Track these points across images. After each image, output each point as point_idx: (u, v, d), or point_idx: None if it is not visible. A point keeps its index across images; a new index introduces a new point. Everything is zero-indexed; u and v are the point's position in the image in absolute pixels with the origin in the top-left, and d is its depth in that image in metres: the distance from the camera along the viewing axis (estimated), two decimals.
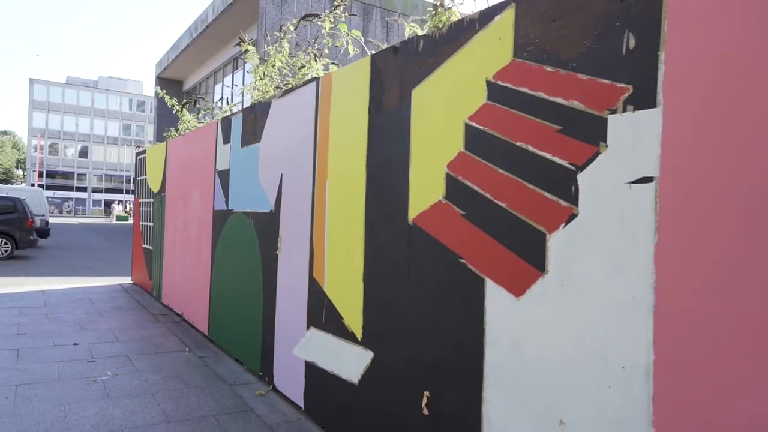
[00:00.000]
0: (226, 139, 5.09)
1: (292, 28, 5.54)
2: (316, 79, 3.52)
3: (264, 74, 4.81)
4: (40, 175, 61.22)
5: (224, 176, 5.10)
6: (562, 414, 1.82)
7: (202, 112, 7.03)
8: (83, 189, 65.16)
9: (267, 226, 4.11)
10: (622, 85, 1.67)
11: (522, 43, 2.01)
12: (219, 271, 5.17)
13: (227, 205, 4.99)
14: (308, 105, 3.57)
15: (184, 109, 7.22)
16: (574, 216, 1.80)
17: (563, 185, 1.84)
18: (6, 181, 65.51)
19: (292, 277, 3.70)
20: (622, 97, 1.67)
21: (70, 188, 64.46)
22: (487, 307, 2.12)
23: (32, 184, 55.97)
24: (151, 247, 8.01)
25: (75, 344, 4.93)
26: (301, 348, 3.55)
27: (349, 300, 3.04)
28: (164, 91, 8.70)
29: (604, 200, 1.71)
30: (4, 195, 13.99)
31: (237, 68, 23.17)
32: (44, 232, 16.21)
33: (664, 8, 1.57)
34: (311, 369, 3.43)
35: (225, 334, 4.98)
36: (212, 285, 5.34)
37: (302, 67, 4.46)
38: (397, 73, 2.70)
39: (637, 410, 1.60)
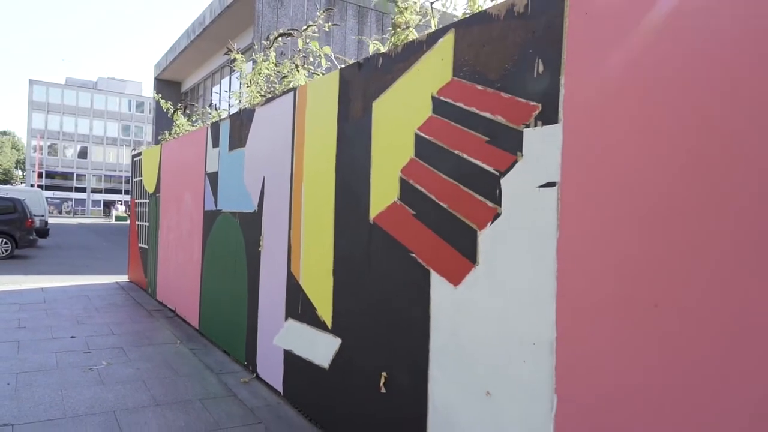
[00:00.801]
0: (215, 144, 5.38)
1: (279, 38, 5.83)
2: (294, 89, 3.81)
3: (251, 82, 5.09)
4: (40, 175, 61.53)
5: (213, 178, 5.39)
6: (488, 386, 2.11)
7: (194, 116, 7.31)
8: (82, 189, 65.46)
9: (251, 225, 4.41)
10: (534, 103, 1.96)
11: (459, 64, 2.31)
12: (209, 268, 5.46)
13: (216, 205, 5.28)
14: (287, 113, 3.86)
15: (178, 113, 7.50)
16: (498, 215, 2.09)
17: (490, 188, 2.13)
18: (5, 182, 65.79)
19: (272, 272, 3.99)
20: (533, 113, 1.96)
21: (69, 189, 64.76)
22: (432, 295, 2.42)
23: (32, 185, 56.28)
24: (146, 246, 8.30)
25: (72, 337, 5.22)
26: (280, 337, 3.84)
27: (321, 292, 3.33)
28: (159, 95, 8.98)
29: (520, 201, 2.00)
30: (4, 196, 14.28)
31: (234, 70, 23.41)
32: (44, 232, 16.51)
33: (564, 40, 1.86)
34: (289, 357, 3.72)
35: (214, 328, 5.27)
36: (202, 281, 5.63)
37: (284, 77, 4.74)
38: (361, 86, 2.99)
39: (544, 380, 1.89)
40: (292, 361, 3.68)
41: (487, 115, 2.15)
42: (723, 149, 1.43)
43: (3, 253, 13.04)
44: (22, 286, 8.39)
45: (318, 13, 5.29)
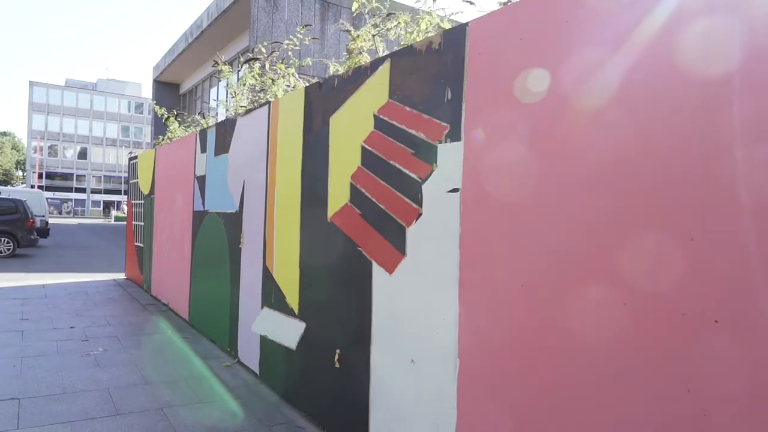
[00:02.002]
0: (203, 149, 5.83)
1: (263, 50, 6.28)
2: (269, 102, 4.26)
3: (234, 93, 5.54)
4: (40, 176, 62.00)
5: (201, 181, 5.84)
6: (413, 355, 2.56)
7: (186, 122, 7.76)
8: (82, 190, 65.93)
9: (233, 224, 4.86)
10: (445, 123, 2.41)
11: (394, 88, 2.76)
12: (197, 264, 5.91)
13: (204, 206, 5.73)
14: (262, 124, 4.31)
15: (171, 119, 7.96)
16: (420, 215, 2.54)
17: (415, 193, 2.58)
18: (5, 183, 66.25)
19: (250, 266, 4.44)
20: (444, 132, 2.41)
21: (69, 189, 65.25)
22: (374, 283, 2.87)
23: (32, 186, 56.74)
24: (142, 245, 8.75)
25: (71, 327, 5.68)
26: (257, 324, 4.29)
27: (289, 282, 3.78)
28: (155, 102, 9.43)
29: (435, 204, 2.45)
30: (6, 197, 14.74)
31: (241, 68, 23.80)
32: (44, 231, 16.98)
33: (465, 73, 2.31)
34: (264, 341, 4.17)
35: (202, 319, 5.73)
36: (192, 276, 6.08)
37: (261, 89, 5.19)
38: (321, 103, 3.45)
39: (451, 348, 2.34)
40: (266, 345, 4.13)
41: (413, 132, 2.60)
42: (573, 163, 1.88)
43: (5, 252, 13.50)
44: (24, 283, 8.84)
45: (298, 29, 5.72)
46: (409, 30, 3.19)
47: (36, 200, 18.30)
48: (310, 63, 6.29)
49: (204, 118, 7.28)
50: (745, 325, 1.40)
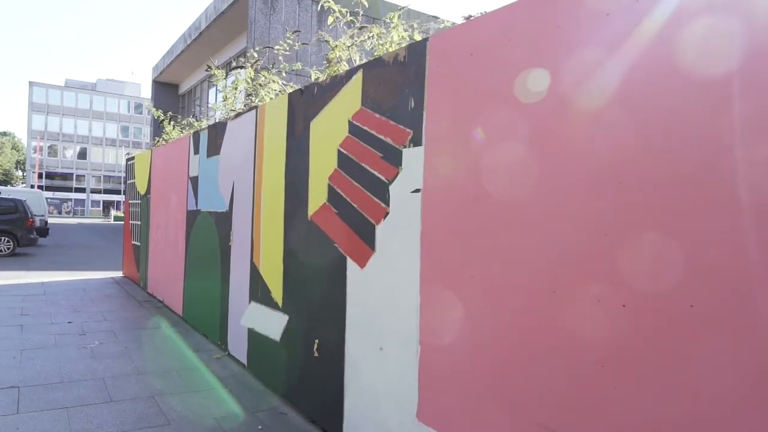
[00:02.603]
0: (196, 151, 6.05)
1: (255, 55, 6.50)
2: (256, 107, 4.48)
3: (226, 97, 5.76)
4: (40, 176, 62.21)
5: (195, 181, 6.06)
6: (381, 343, 2.78)
7: (178, 126, 7.99)
8: (82, 190, 66.16)
9: (223, 223, 5.08)
10: (408, 129, 2.63)
11: (366, 96, 2.98)
12: (190, 261, 6.13)
13: (197, 205, 5.95)
14: (250, 127, 4.53)
15: (166, 122, 8.18)
16: (387, 213, 2.76)
17: (383, 193, 2.80)
18: (5, 183, 66.47)
19: (239, 263, 4.67)
20: (408, 137, 2.63)
21: (69, 189, 65.47)
22: (348, 276, 3.09)
23: (32, 186, 56.94)
24: (138, 244, 8.97)
25: (69, 322, 5.90)
26: (245, 318, 4.51)
27: (274, 277, 4.01)
28: (152, 104, 9.65)
29: (400, 203, 2.67)
30: (6, 197, 14.96)
31: (229, 74, 23.93)
32: (44, 231, 17.20)
33: (426, 84, 2.53)
34: (252, 334, 4.39)
35: (195, 314, 5.95)
36: (186, 274, 6.30)
37: (249, 95, 5.41)
38: (303, 109, 3.67)
39: (413, 334, 2.55)
40: (254, 337, 4.35)
41: (382, 137, 2.82)
42: (516, 166, 2.10)
43: (5, 250, 13.72)
44: (24, 280, 9.07)
45: (288, 35, 5.94)
46: (381, 42, 3.42)
47: (36, 200, 18.51)
48: (300, 67, 6.51)
49: (197, 120, 7.49)
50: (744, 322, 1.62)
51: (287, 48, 5.91)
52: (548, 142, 1.94)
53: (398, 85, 2.72)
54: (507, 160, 2.10)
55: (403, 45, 2.80)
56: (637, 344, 1.63)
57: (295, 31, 5.65)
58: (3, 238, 13.72)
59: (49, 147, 64.95)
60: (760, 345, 1.37)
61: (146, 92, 66.72)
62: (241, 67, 5.66)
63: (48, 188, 60.65)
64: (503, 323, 2.09)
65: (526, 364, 1.98)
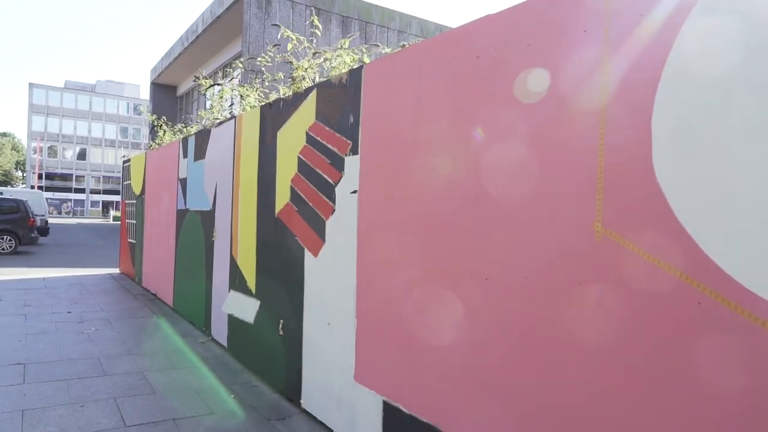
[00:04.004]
0: (185, 155, 6.59)
1: (240, 65, 7.03)
2: (235, 117, 5.02)
3: (212, 106, 6.30)
4: (40, 176, 62.75)
5: (183, 183, 6.60)
6: (329, 319, 3.32)
7: (170, 131, 8.53)
8: (81, 190, 66.71)
9: (208, 220, 5.61)
10: (349, 141, 3.17)
11: (318, 111, 3.51)
12: (180, 256, 6.67)
13: (185, 205, 6.49)
14: (230, 135, 5.07)
15: (161, 126, 8.72)
16: (334, 210, 3.30)
17: (331, 193, 3.33)
18: (5, 183, 67.01)
19: (221, 256, 5.20)
20: (348, 147, 3.17)
21: (68, 190, 66.04)
22: (305, 265, 3.62)
23: (32, 186, 57.47)
24: (134, 241, 9.51)
25: (68, 312, 6.44)
26: (226, 305, 5.05)
27: (249, 268, 4.54)
28: (149, 111, 10.19)
29: (343, 202, 3.21)
30: (8, 197, 15.51)
31: (226, 75, 24.46)
32: (44, 230, 17.75)
33: (361, 104, 3.06)
34: (231, 319, 4.92)
35: (183, 304, 6.48)
36: (176, 268, 6.84)
37: (232, 104, 5.95)
38: (272, 120, 4.20)
39: (351, 310, 3.09)
40: (233, 322, 4.89)
41: (330, 146, 3.36)
42: (423, 174, 2.64)
43: (8, 249, 14.26)
44: (26, 276, 9.61)
45: (268, 48, 6.46)
46: (333, 65, 3.95)
47: (36, 200, 19.06)
48: (282, 76, 7.03)
49: (186, 126, 8.04)
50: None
51: (269, 60, 6.45)
52: (440, 153, 2.48)
53: (342, 103, 3.25)
54: (414, 169, 2.64)
55: (348, 69, 3.33)
56: (483, 305, 2.17)
57: (275, 45, 6.16)
58: (5, 237, 14.27)
59: (49, 148, 65.50)
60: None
61: (145, 94, 67.28)
62: (218, 84, 6.19)
63: (48, 189, 61.22)
64: (429, 300, 2.63)
65: (432, 328, 2.52)
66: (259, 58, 6.53)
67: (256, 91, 5.52)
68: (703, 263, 1.50)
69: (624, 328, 1.69)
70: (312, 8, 20.27)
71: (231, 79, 5.81)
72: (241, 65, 6.88)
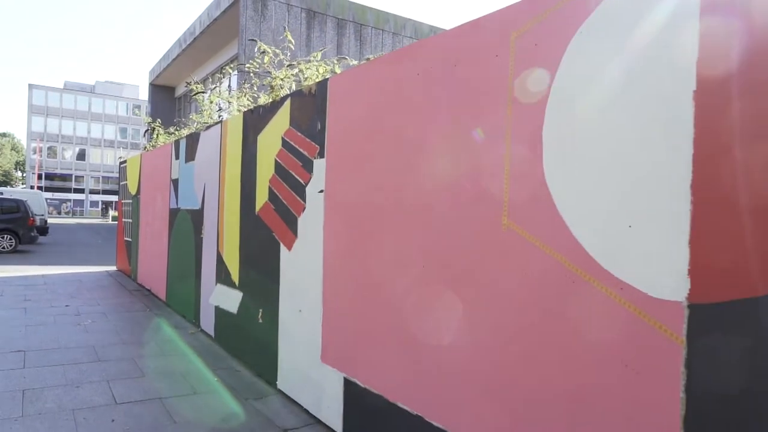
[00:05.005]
0: (177, 156, 6.93)
1: (230, 70, 7.37)
2: (221, 121, 5.36)
3: (203, 111, 6.65)
4: (39, 177, 63.10)
5: (176, 183, 6.95)
6: (300, 306, 3.67)
7: (164, 134, 8.89)
8: (81, 191, 67.08)
9: (197, 218, 5.97)
10: (317, 145, 3.52)
11: (292, 118, 3.86)
12: (172, 253, 7.02)
13: (177, 204, 6.84)
14: (217, 138, 5.42)
15: (156, 130, 9.07)
16: (305, 208, 3.65)
17: (302, 193, 3.68)
18: (5, 183, 67.35)
19: (209, 251, 5.55)
20: (317, 151, 3.52)
21: (68, 190, 66.41)
22: (281, 258, 3.97)
23: (31, 186, 57.82)
24: (130, 239, 9.86)
25: (66, 306, 6.78)
26: (213, 297, 5.40)
27: (233, 262, 4.89)
28: (148, 112, 10.54)
29: (312, 201, 3.56)
30: (9, 197, 15.87)
31: (223, 77, 24.79)
32: (43, 230, 18.10)
33: (327, 112, 3.41)
34: (218, 310, 5.27)
35: (175, 298, 6.83)
36: (168, 263, 7.19)
37: (220, 109, 6.31)
38: (253, 125, 4.55)
39: (319, 297, 3.44)
40: (219, 313, 5.24)
41: (301, 150, 3.71)
42: (369, 176, 2.99)
43: (8, 247, 14.62)
44: (25, 273, 9.96)
45: (257, 55, 6.82)
46: (306, 76, 4.30)
47: (36, 200, 19.42)
48: (270, 81, 7.37)
49: (179, 129, 8.39)
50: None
51: (257, 66, 6.80)
52: (383, 159, 2.83)
53: (311, 112, 3.60)
54: (365, 172, 2.99)
55: (318, 79, 3.68)
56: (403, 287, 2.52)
57: (263, 52, 6.51)
58: (6, 236, 14.62)
59: (49, 148, 65.86)
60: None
61: (144, 94, 67.60)
62: (202, 92, 6.55)
63: (47, 189, 61.58)
64: (378, 287, 2.98)
65: (377, 311, 2.88)
66: (247, 65, 6.88)
67: (245, 96, 5.87)
68: (576, 248, 1.86)
69: (522, 298, 2.04)
70: (307, 11, 20.59)
71: (220, 85, 6.13)
72: (231, 71, 7.22)
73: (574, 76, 1.89)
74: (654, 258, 1.63)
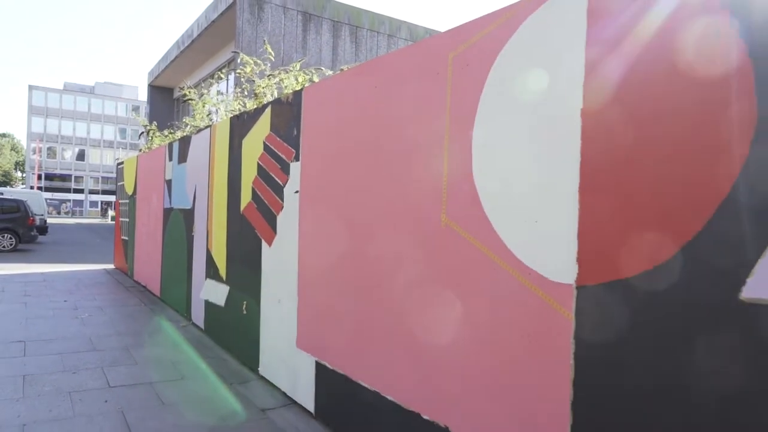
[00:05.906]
0: (170, 158, 7.25)
1: (222, 76, 7.70)
2: (210, 126, 5.68)
3: (194, 116, 6.97)
4: (39, 177, 63.42)
5: (169, 184, 7.26)
6: (279, 297, 3.99)
7: (159, 137, 9.20)
8: (80, 191, 67.41)
9: (188, 217, 6.28)
10: (293, 150, 3.83)
11: (272, 124, 4.18)
12: (166, 251, 7.33)
13: (170, 204, 7.16)
14: (206, 142, 5.73)
15: (151, 132, 9.39)
16: (283, 207, 3.97)
17: (280, 193, 4.00)
18: (5, 183, 67.66)
19: (199, 249, 5.87)
20: (293, 155, 3.84)
21: (67, 190, 66.74)
22: (262, 253, 4.29)
23: (31, 187, 58.14)
24: (127, 238, 10.17)
25: (65, 301, 7.10)
26: (203, 292, 5.72)
27: (221, 258, 5.21)
28: (146, 113, 10.86)
29: (289, 200, 3.87)
30: (9, 197, 16.19)
31: (221, 79, 25.06)
32: (43, 229, 18.42)
33: (302, 118, 3.73)
34: (207, 304, 5.59)
35: (169, 294, 7.15)
36: (162, 261, 7.50)
37: (209, 113, 6.62)
38: (238, 130, 4.87)
39: (294, 288, 3.75)
40: (209, 307, 5.56)
41: (280, 153, 4.03)
42: (346, 176, 3.30)
43: (8, 246, 14.94)
44: (25, 271, 10.27)
45: (247, 59, 7.14)
46: (285, 84, 4.61)
47: (35, 200, 19.73)
48: (263, 87, 7.68)
49: (173, 132, 8.71)
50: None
51: (247, 73, 7.12)
52: (346, 163, 3.14)
53: (288, 118, 3.92)
54: (333, 175, 3.31)
55: (297, 88, 4.00)
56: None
57: (244, 63, 6.82)
58: (6, 235, 14.94)
59: (48, 149, 66.18)
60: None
61: (143, 95, 67.89)
62: (191, 99, 6.86)
63: (47, 189, 61.92)
64: (342, 278, 3.30)
65: (340, 299, 3.20)
66: (238, 71, 7.20)
67: (237, 101, 6.19)
68: (496, 241, 2.17)
69: (460, 285, 2.36)
70: (303, 13, 20.89)
71: (210, 89, 6.43)
72: (223, 76, 7.54)
73: (495, 94, 2.21)
74: (552, 248, 1.95)
